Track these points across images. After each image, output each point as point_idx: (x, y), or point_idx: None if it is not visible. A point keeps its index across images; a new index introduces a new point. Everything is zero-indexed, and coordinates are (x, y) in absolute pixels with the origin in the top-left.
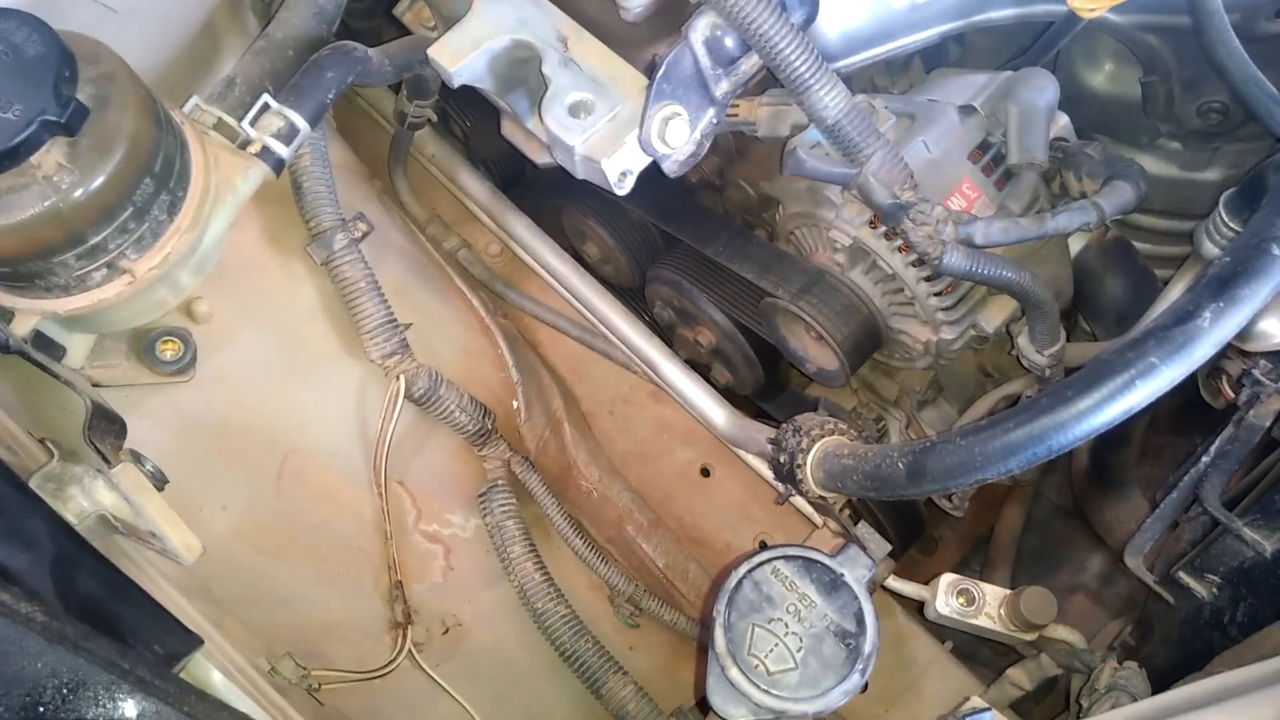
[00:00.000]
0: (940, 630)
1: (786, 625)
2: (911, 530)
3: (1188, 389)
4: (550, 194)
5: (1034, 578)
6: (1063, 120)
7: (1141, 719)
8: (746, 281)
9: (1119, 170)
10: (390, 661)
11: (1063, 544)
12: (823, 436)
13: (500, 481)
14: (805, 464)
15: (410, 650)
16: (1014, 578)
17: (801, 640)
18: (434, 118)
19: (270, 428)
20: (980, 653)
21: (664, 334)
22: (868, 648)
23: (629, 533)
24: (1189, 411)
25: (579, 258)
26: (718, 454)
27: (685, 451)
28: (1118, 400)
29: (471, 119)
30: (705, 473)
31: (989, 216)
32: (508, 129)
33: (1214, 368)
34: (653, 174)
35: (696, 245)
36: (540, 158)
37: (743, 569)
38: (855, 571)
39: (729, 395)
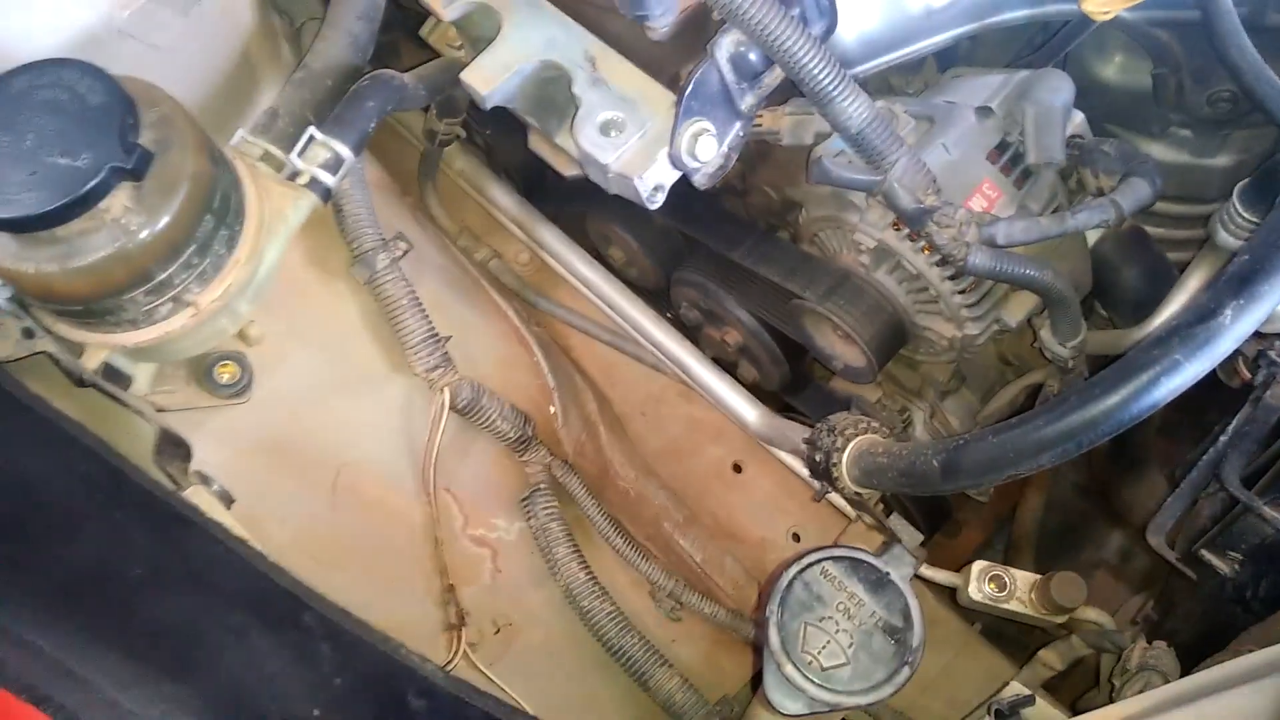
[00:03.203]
0: (968, 612)
1: (837, 623)
2: (938, 518)
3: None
4: (573, 200)
5: (1055, 556)
6: (1078, 118)
7: (1174, 699)
8: (770, 282)
9: (1135, 167)
10: (448, 662)
11: (1083, 522)
12: (857, 435)
13: (542, 485)
14: (841, 462)
15: (465, 651)
16: (1037, 558)
17: (852, 637)
18: (463, 134)
19: (324, 443)
20: (1007, 629)
21: (690, 334)
22: (915, 641)
23: (666, 529)
24: (1205, 390)
25: (604, 262)
26: (748, 450)
27: (716, 449)
28: (1144, 397)
29: (491, 129)
30: (737, 469)
31: (1010, 217)
32: (535, 143)
33: None
34: (677, 183)
35: (723, 250)
36: (568, 170)
37: (793, 570)
38: (900, 570)
39: (755, 391)
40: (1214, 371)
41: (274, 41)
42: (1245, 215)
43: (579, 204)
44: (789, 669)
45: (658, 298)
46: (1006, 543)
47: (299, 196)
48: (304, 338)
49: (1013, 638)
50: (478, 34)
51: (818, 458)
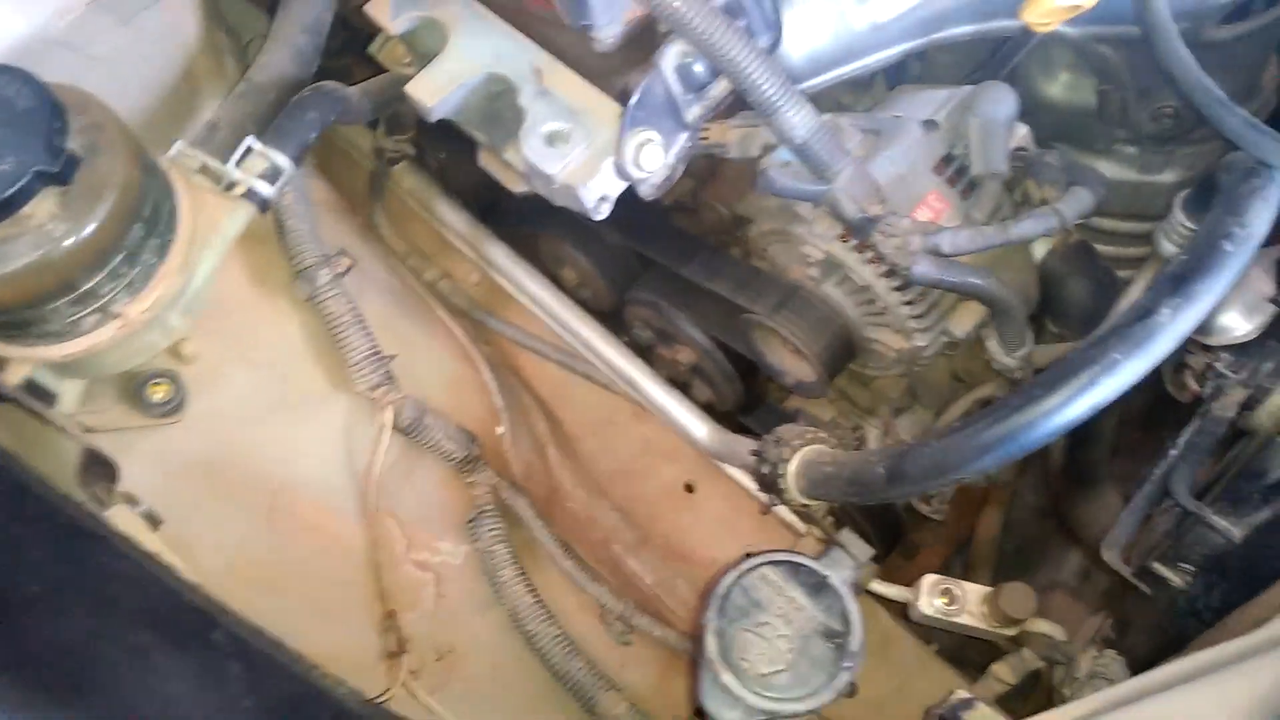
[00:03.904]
0: (926, 633)
1: (776, 628)
2: (891, 535)
3: (1157, 386)
4: (526, 221)
5: (1014, 577)
6: (1022, 130)
7: (1116, 701)
8: (723, 299)
9: (1078, 176)
10: (385, 691)
11: (1041, 543)
12: (803, 446)
13: (488, 507)
14: (787, 473)
15: (405, 679)
16: (995, 578)
17: (791, 642)
18: (412, 152)
19: (260, 464)
20: (967, 654)
21: (643, 354)
22: (855, 645)
23: (617, 551)
24: (1159, 408)
25: (557, 283)
26: (701, 470)
27: (669, 469)
28: (1083, 396)
29: (445, 151)
30: (690, 489)
31: (955, 226)
32: (484, 159)
33: (1179, 363)
34: (627, 198)
35: (673, 266)
36: (517, 187)
37: (731, 576)
38: (840, 573)
39: (709, 411)
40: (1167, 389)
41: (219, 57)
42: (1187, 224)
43: (532, 225)
44: (726, 677)
45: (611, 319)
46: (965, 564)
47: (235, 207)
48: (242, 356)
49: (972, 661)
50: (425, 49)
51: (765, 470)
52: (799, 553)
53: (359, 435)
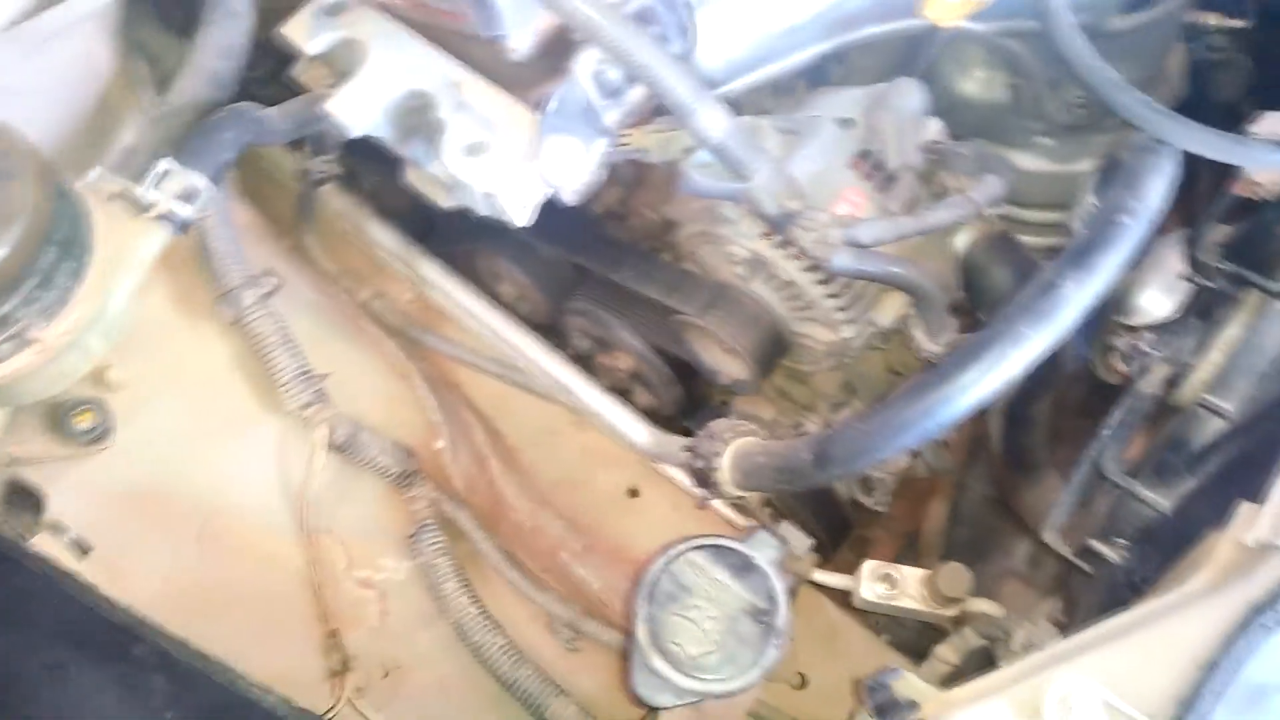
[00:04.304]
0: (876, 626)
1: (704, 611)
2: (839, 531)
3: (1093, 375)
4: (461, 240)
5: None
6: (935, 125)
7: (1039, 665)
8: (655, 303)
9: (988, 165)
10: (330, 709)
11: (991, 533)
12: (735, 439)
13: (430, 521)
14: (721, 467)
15: (349, 697)
16: None
17: (719, 623)
18: (338, 172)
19: (192, 488)
20: (921, 647)
21: (584, 364)
22: (781, 622)
23: (563, 559)
24: (1097, 395)
25: (495, 299)
26: (643, 475)
27: (611, 475)
28: (994, 370)
29: (379, 174)
30: (633, 493)
31: (872, 218)
32: (410, 176)
33: (1106, 346)
34: (559, 210)
35: (605, 272)
36: (444, 201)
37: (659, 563)
38: (764, 552)
39: (652, 417)
40: (1098, 374)
41: (136, 85)
42: (1097, 204)
43: (468, 242)
44: (656, 661)
45: (550, 332)
46: (914, 558)
47: (151, 228)
48: (169, 381)
49: (926, 652)
50: (345, 68)
51: (699, 465)
52: (724, 536)
53: (293, 455)
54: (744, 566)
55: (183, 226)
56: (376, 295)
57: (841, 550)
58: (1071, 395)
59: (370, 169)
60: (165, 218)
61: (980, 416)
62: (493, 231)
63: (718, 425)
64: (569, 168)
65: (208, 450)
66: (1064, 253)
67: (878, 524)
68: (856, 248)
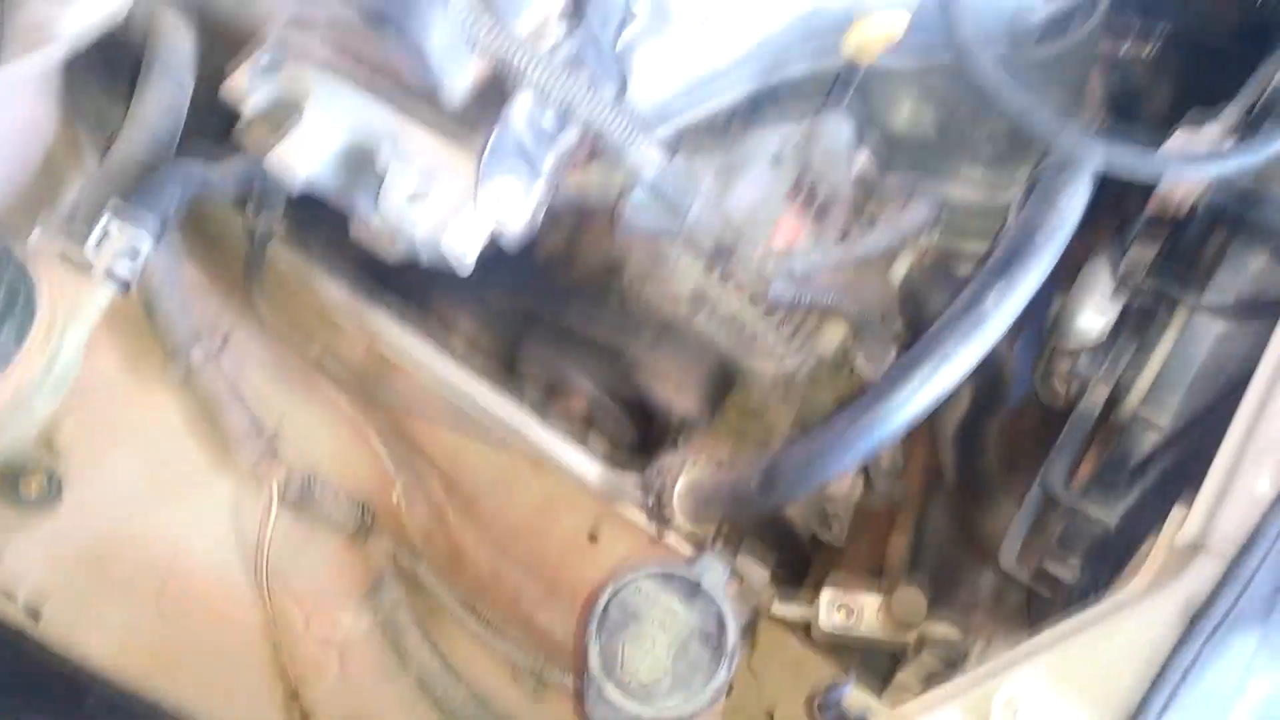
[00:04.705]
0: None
1: (654, 637)
2: (798, 565)
3: (1042, 402)
4: (413, 292)
5: (932, 603)
6: (864, 156)
7: (984, 675)
8: (605, 343)
9: (916, 192)
10: None
11: (955, 566)
12: (686, 470)
13: (387, 575)
14: (673, 499)
15: None
16: None
17: (669, 648)
18: (283, 229)
19: (146, 548)
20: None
21: (540, 410)
22: (730, 644)
23: (524, 607)
24: (1047, 422)
25: (449, 349)
26: (603, 517)
27: (571, 519)
28: (927, 386)
29: (328, 231)
30: (593, 538)
31: (806, 248)
32: (355, 230)
33: (1048, 371)
34: (506, 256)
35: (553, 315)
36: (391, 251)
37: (607, 593)
38: (711, 577)
39: (610, 459)
40: (1044, 400)
41: (80, 151)
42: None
43: (419, 294)
44: (609, 689)
45: (505, 379)
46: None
47: (96, 287)
48: (120, 442)
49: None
50: (285, 123)
51: (651, 499)
52: (671, 561)
53: (247, 512)
54: (692, 591)
55: (126, 284)
56: (328, 350)
57: (806, 589)
58: (1024, 424)
59: (319, 226)
60: (109, 276)
61: (933, 447)
62: (443, 282)
63: (668, 459)
64: (509, 209)
65: (161, 509)
66: (984, 269)
67: (842, 561)
68: (792, 277)
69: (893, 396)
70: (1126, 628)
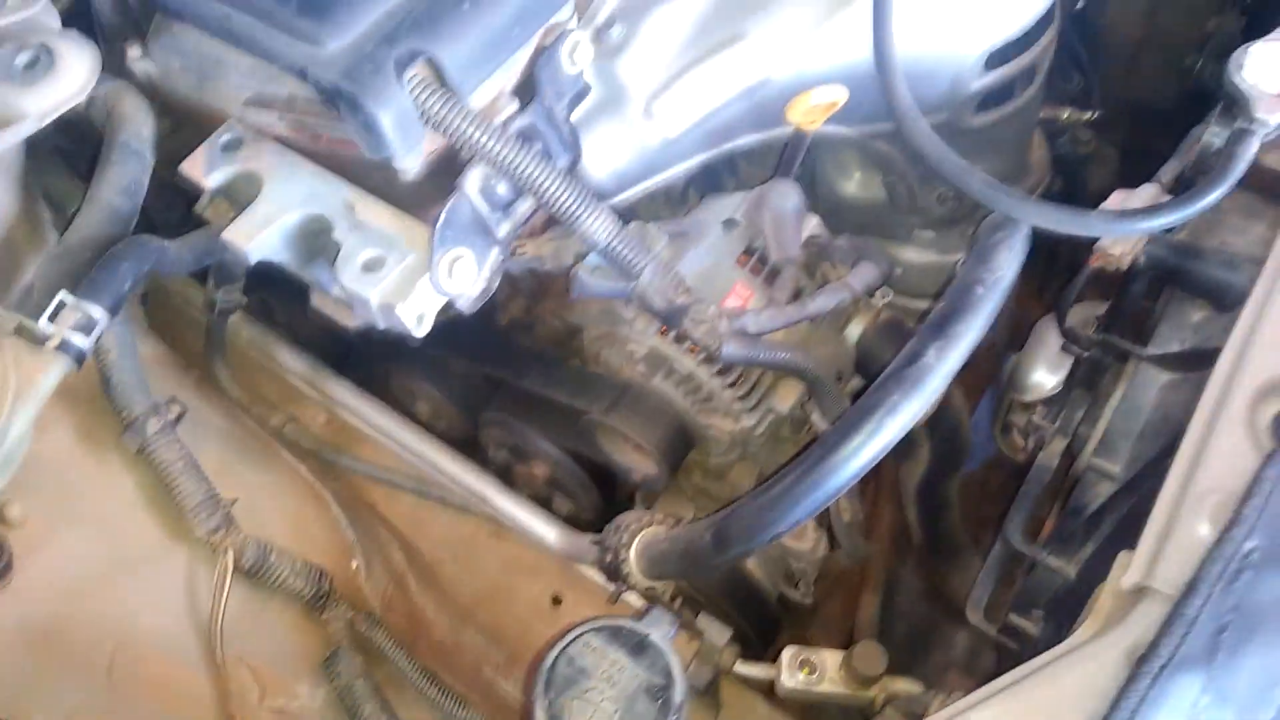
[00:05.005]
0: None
1: (602, 692)
2: (765, 626)
3: (1007, 460)
4: (376, 362)
5: (906, 663)
6: (814, 220)
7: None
8: (565, 407)
9: (865, 253)
10: None
11: (929, 626)
12: (641, 529)
13: (345, 643)
14: (629, 558)
15: None
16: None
17: (616, 703)
18: (244, 303)
19: (97, 623)
20: None
21: (503, 475)
22: (678, 698)
23: (487, 674)
24: (1013, 478)
25: (412, 417)
26: (566, 581)
27: (534, 584)
28: (873, 439)
29: (291, 304)
30: (557, 601)
31: (758, 308)
32: (315, 301)
33: (1006, 425)
34: (467, 323)
35: (514, 380)
36: (350, 322)
37: (556, 649)
38: (659, 630)
39: (574, 524)
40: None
41: (42, 232)
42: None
43: (381, 364)
44: None
45: (469, 446)
46: None
47: (49, 360)
48: (73, 515)
49: None
50: (246, 200)
51: (608, 558)
52: (619, 616)
53: (202, 583)
54: (639, 645)
55: (80, 357)
56: (289, 421)
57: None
58: (991, 481)
59: (282, 300)
60: (62, 349)
61: (899, 506)
62: (405, 351)
63: (625, 517)
64: (462, 278)
65: (113, 582)
66: (926, 324)
67: (814, 622)
68: (745, 337)
69: (838, 450)
70: (1074, 673)
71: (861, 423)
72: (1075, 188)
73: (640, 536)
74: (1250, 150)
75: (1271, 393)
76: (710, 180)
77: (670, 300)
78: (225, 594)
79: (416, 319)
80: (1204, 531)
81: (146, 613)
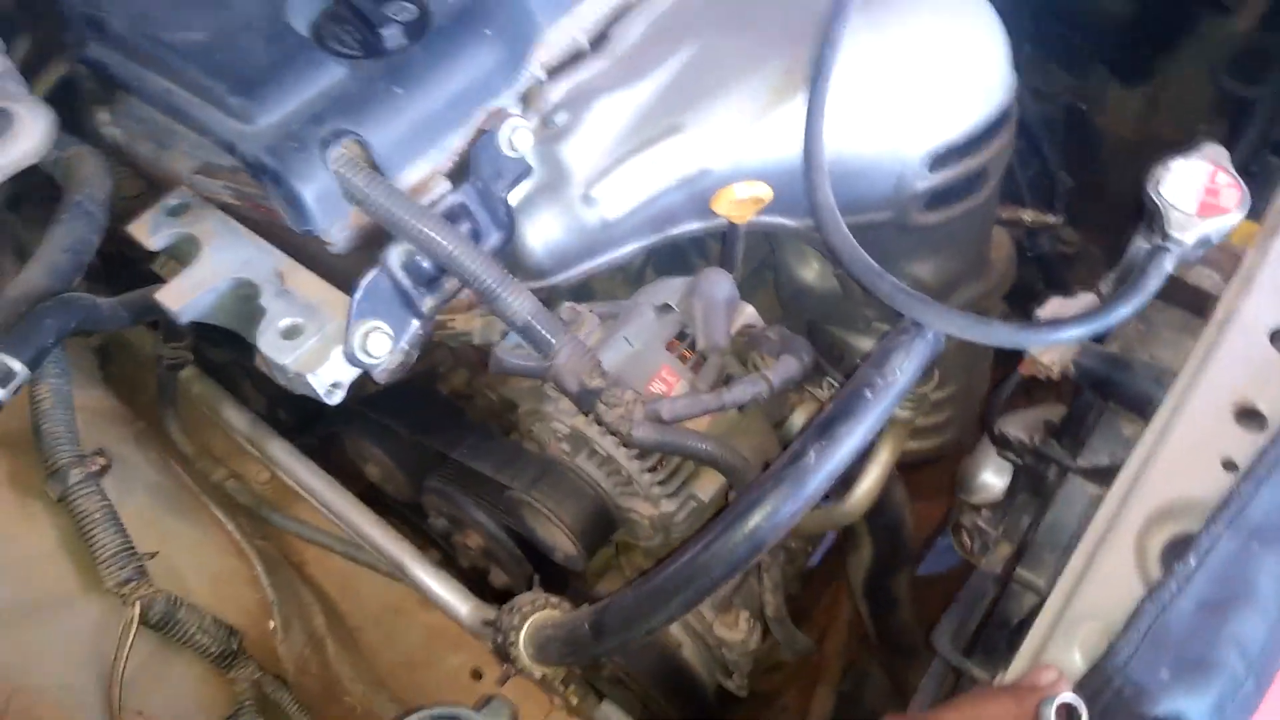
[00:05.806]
0: None
1: None
2: (703, 716)
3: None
4: (331, 423)
5: None
6: (748, 309)
7: None
8: (494, 482)
9: (789, 347)
10: None
11: None
12: (534, 612)
13: (248, 703)
14: (519, 641)
15: None
16: None
17: None
18: (190, 358)
19: None
20: None
21: (444, 542)
22: None
23: None
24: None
25: (362, 480)
26: (488, 655)
27: (456, 656)
28: (750, 537)
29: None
30: (477, 675)
31: (675, 396)
32: (260, 361)
33: (956, 524)
34: (410, 392)
35: (445, 450)
36: (280, 382)
37: None
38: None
39: (508, 596)
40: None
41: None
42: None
43: (337, 426)
44: None
45: (417, 511)
46: None
47: None
48: None
49: None
50: (188, 262)
51: (499, 639)
52: (460, 705)
53: (110, 634)
54: None
55: None
56: (231, 476)
57: None
58: (951, 583)
59: (247, 358)
60: None
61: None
62: (357, 414)
63: (520, 599)
64: (376, 349)
65: (18, 629)
66: (813, 424)
67: (770, 712)
68: (658, 423)
69: (712, 547)
70: None
71: (738, 521)
72: (1058, 288)
73: (531, 620)
74: (1164, 268)
75: (1166, 517)
76: (677, 261)
77: (584, 383)
78: (129, 646)
79: (329, 387)
80: (1075, 660)
81: (49, 660)
